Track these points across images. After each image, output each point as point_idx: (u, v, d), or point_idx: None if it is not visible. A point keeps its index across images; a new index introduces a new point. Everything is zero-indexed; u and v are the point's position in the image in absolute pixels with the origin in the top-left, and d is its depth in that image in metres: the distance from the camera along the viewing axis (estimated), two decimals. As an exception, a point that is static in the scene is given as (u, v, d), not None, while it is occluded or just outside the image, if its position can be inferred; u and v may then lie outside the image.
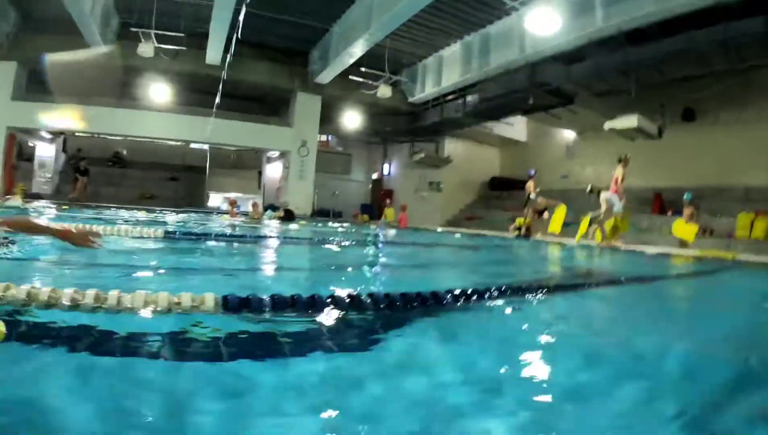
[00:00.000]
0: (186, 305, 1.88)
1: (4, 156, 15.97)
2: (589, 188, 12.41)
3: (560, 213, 13.47)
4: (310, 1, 13.97)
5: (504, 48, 14.07)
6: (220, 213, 16.23)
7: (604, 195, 11.13)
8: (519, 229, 13.32)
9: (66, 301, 1.80)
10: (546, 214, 13.55)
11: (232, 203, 15.91)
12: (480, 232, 15.46)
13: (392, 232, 14.11)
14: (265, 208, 16.50)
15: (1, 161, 15.85)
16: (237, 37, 10.26)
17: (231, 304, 1.94)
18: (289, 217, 14.29)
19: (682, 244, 11.40)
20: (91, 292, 1.83)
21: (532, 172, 13.49)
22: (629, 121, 13.80)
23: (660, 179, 16.16)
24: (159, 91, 17.31)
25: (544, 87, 14.40)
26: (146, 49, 14.77)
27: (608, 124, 14.22)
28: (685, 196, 11.80)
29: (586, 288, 4.12)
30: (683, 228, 11.40)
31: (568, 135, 18.75)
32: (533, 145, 20.43)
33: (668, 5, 9.98)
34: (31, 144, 19.09)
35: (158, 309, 1.84)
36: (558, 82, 14.18)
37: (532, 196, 13.33)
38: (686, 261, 8.36)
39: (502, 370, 1.66)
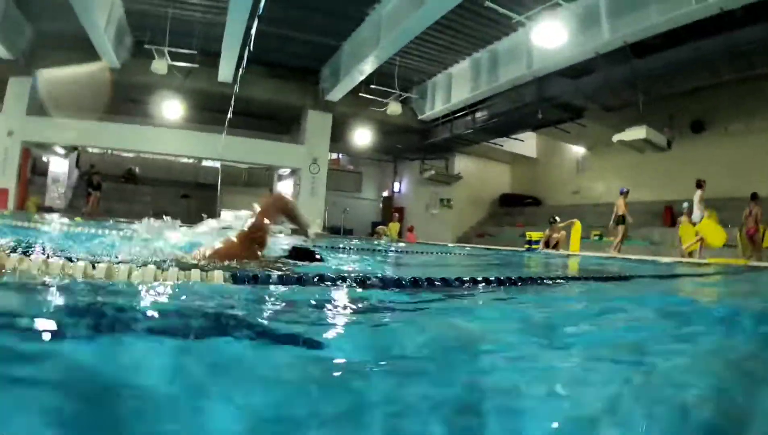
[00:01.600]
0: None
1: (18, 170, 16.26)
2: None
3: (577, 231, 13.40)
4: (320, 19, 14.20)
5: (512, 63, 14.17)
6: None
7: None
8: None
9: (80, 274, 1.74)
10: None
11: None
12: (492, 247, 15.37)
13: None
14: (277, 225, 16.73)
15: (16, 175, 16.14)
16: (248, 55, 10.44)
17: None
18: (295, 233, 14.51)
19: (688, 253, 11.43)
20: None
21: (624, 189, 13.17)
22: (638, 132, 13.80)
23: (670, 192, 16.02)
24: (172, 108, 17.59)
25: (552, 101, 14.47)
26: (160, 66, 15.10)
27: (617, 137, 14.23)
28: (684, 205, 12.23)
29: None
30: (713, 230, 11.26)
31: (578, 150, 18.75)
32: (543, 161, 20.46)
33: (673, 15, 10.02)
34: (44, 159, 19.42)
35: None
36: (566, 97, 14.26)
37: (624, 214, 13.01)
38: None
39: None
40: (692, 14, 9.82)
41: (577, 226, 13.34)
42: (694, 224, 11.60)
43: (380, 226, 19.74)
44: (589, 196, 17.89)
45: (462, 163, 21.87)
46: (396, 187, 24.68)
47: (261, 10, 7.60)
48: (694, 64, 11.55)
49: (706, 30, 10.42)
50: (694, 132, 15.38)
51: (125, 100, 18.15)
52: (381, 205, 25.51)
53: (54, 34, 15.04)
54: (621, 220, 13.00)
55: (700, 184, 11.76)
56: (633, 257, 9.85)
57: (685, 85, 12.89)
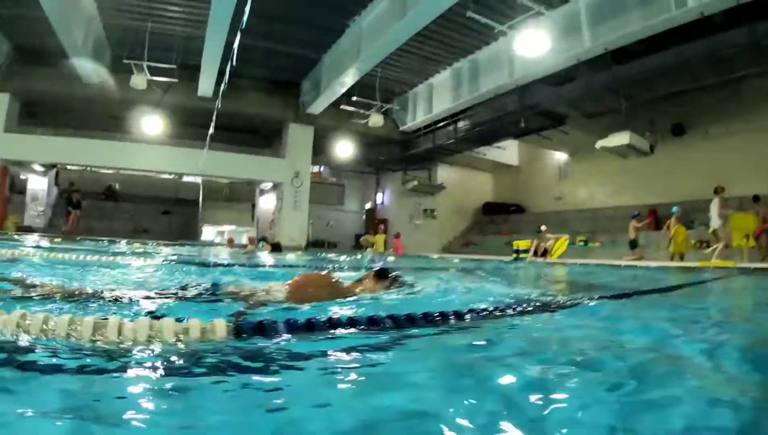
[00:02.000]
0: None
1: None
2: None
3: (562, 245, 13.61)
4: (300, 32, 14.15)
5: (493, 72, 14.26)
6: (215, 244, 16.31)
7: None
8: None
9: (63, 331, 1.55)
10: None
11: (230, 241, 18.21)
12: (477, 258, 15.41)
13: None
14: (258, 241, 16.57)
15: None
16: (229, 69, 10.31)
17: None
18: (276, 249, 14.33)
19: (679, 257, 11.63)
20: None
21: (636, 212, 13.88)
22: (621, 138, 13.90)
23: (653, 196, 16.24)
24: (152, 123, 17.34)
25: (534, 109, 14.57)
26: (139, 81, 14.91)
27: (600, 143, 14.32)
28: (672, 210, 12.41)
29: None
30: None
31: (560, 156, 18.90)
32: (526, 169, 20.59)
33: (653, 22, 10.18)
34: (23, 177, 19.00)
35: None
36: (548, 104, 14.38)
37: (636, 238, 13.65)
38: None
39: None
40: (672, 20, 9.97)
41: (564, 242, 13.55)
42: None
43: (363, 237, 19.59)
44: (573, 202, 18.01)
45: (444, 173, 21.92)
46: (379, 198, 24.61)
47: (245, 24, 7.50)
48: (675, 69, 11.71)
49: (688, 35, 10.60)
50: (675, 135, 15.63)
51: (105, 116, 17.89)
52: (364, 217, 25.40)
53: (32, 50, 14.78)
54: (633, 244, 13.43)
55: (717, 191, 11.80)
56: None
57: (666, 89, 13.10)
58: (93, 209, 19.60)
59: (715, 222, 11.67)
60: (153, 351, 1.45)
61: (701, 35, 10.48)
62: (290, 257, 12.34)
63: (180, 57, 14.92)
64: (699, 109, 14.63)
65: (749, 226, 11.84)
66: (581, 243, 15.83)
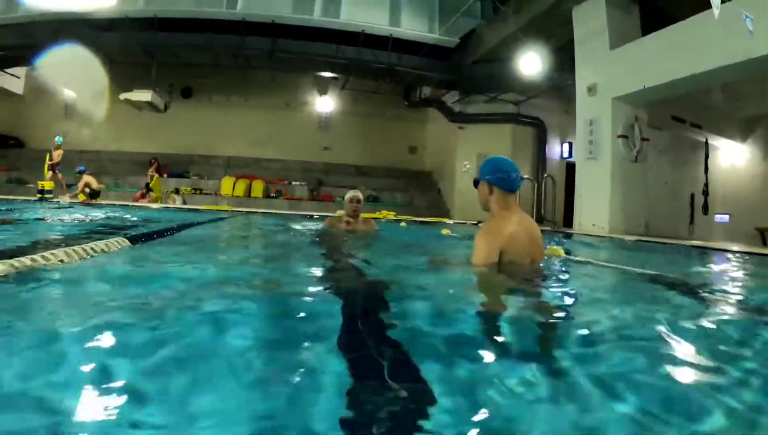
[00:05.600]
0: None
1: None
2: None
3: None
4: None
5: None
6: None
7: None
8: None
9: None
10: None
11: None
12: None
13: None
14: None
15: None
16: None
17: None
18: None
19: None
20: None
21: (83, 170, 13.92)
22: (144, 95, 15.77)
23: (154, 145, 18.72)
24: None
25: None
26: None
27: (124, 95, 15.71)
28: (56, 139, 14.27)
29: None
30: None
31: (69, 94, 18.66)
32: (31, 100, 18.90)
33: (199, 9, 13.23)
34: None
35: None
36: (85, 44, 14.60)
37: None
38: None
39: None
40: (200, 13, 13.41)
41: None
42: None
43: None
44: (77, 142, 18.25)
45: None
46: None
47: None
48: (204, 49, 14.68)
49: (223, 28, 13.77)
50: (185, 97, 18.71)
51: None
52: None
53: None
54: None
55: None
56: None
57: (192, 60, 15.91)
58: None
59: None
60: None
61: (237, 32, 13.82)
62: None
63: None
64: (211, 81, 18.18)
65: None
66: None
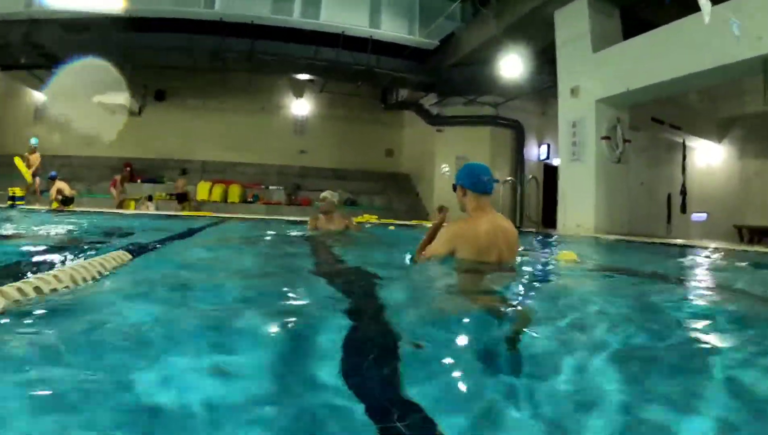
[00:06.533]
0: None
1: None
2: None
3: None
4: None
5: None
6: None
7: None
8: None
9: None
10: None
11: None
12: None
13: None
14: None
15: None
16: None
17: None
18: None
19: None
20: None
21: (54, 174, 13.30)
22: (118, 98, 15.38)
23: (127, 150, 18.22)
24: None
25: (40, 49, 14.06)
26: None
27: (98, 98, 15.29)
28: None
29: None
30: None
31: (39, 97, 18.03)
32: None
33: (179, 9, 12.84)
34: None
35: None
36: (54, 48, 14.15)
37: None
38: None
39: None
40: (198, 14, 12.96)
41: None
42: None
43: None
44: (47, 146, 17.67)
45: None
46: None
47: None
48: (183, 50, 14.34)
49: (204, 29, 13.49)
50: (158, 100, 18.24)
51: None
52: None
53: None
54: None
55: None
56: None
57: (167, 62, 15.50)
58: None
59: None
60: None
61: (215, 33, 13.55)
62: None
63: None
64: (185, 84, 17.71)
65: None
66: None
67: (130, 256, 3.11)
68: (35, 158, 13.22)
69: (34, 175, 13.09)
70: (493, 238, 3.06)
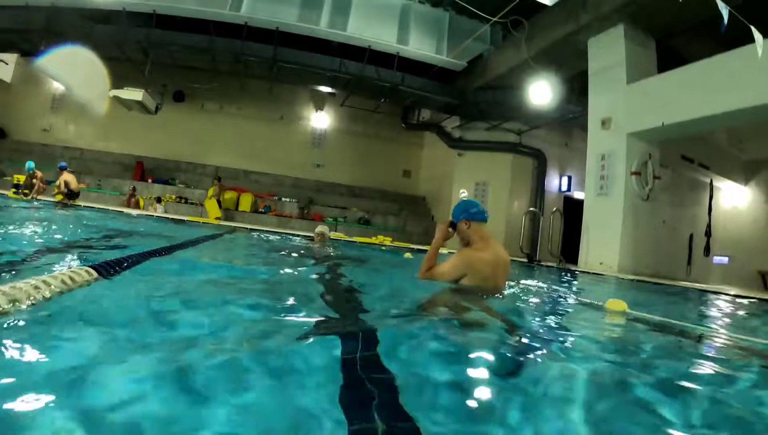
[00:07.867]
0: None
1: None
2: None
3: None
4: None
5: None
6: None
7: None
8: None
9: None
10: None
11: None
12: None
13: None
14: None
15: None
16: None
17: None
18: None
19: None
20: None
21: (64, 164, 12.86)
22: (135, 94, 15.14)
23: (140, 148, 17.99)
24: None
25: (62, 36, 13.87)
26: None
27: (114, 92, 15.05)
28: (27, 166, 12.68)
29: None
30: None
31: (58, 86, 17.86)
32: (18, 90, 17.97)
33: (205, 9, 12.58)
34: None
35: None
36: (74, 37, 13.95)
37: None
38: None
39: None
40: (221, 15, 12.74)
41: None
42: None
43: None
44: (61, 137, 17.52)
45: None
46: None
47: None
48: (204, 52, 14.07)
49: (228, 31, 13.26)
50: (176, 101, 18.01)
51: None
52: None
53: None
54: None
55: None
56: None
57: (188, 62, 15.26)
58: None
59: None
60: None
61: (239, 36, 13.30)
62: None
63: None
64: (206, 87, 17.49)
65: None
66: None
67: (95, 275, 2.52)
68: (41, 179, 12.68)
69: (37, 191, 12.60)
70: (496, 268, 3.41)
